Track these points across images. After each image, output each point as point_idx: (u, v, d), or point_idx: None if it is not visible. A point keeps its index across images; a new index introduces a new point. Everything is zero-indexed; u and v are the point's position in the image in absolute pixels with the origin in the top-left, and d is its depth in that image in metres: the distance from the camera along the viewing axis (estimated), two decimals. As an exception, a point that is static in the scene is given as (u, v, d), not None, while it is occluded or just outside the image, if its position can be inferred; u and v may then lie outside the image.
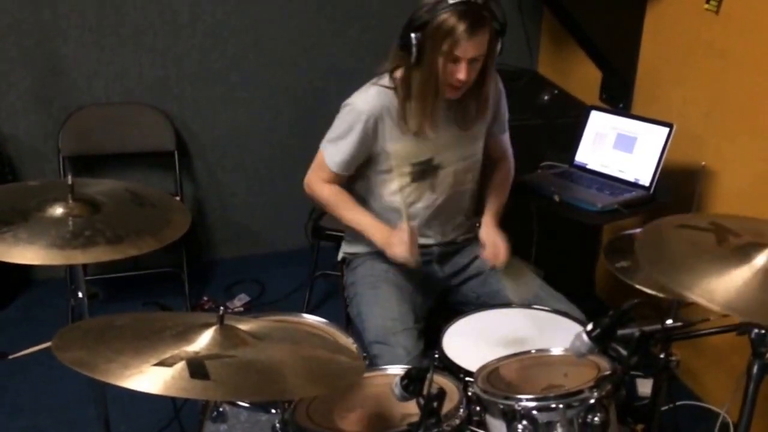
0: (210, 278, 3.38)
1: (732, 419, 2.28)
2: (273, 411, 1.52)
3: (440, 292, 2.15)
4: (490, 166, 2.20)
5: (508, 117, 2.19)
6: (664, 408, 1.63)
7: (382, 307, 1.96)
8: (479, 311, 1.95)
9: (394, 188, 2.01)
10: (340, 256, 2.23)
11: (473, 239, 2.17)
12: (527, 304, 1.96)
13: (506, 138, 2.22)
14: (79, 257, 1.45)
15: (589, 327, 1.39)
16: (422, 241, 2.08)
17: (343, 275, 2.21)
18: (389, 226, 2.04)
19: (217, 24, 3.16)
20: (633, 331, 1.40)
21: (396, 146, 1.95)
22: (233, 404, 1.54)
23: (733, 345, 2.44)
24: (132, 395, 2.45)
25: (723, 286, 1.26)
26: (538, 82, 3.24)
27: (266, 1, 3.18)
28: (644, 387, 2.45)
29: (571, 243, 2.83)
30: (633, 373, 2.50)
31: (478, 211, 2.20)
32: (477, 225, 2.20)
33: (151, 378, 1.14)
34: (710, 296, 1.23)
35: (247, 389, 1.21)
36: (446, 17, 1.77)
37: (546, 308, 1.94)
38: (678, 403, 2.48)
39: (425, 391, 1.28)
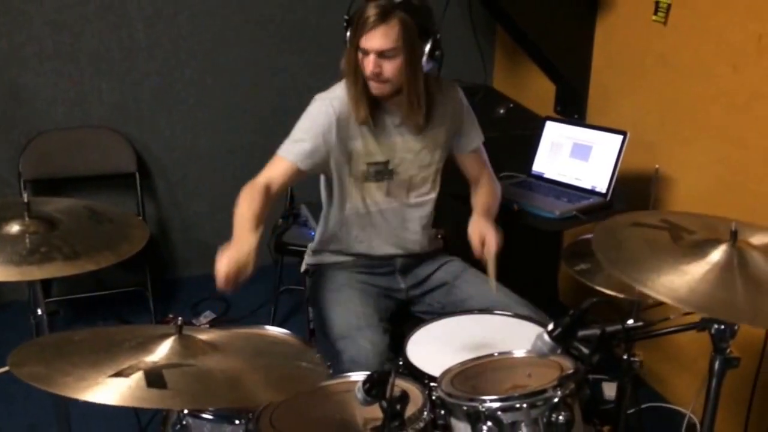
0: (175, 296, 3.37)
1: (698, 419, 2.31)
2: (237, 422, 1.50)
3: (402, 302, 2.16)
4: (474, 186, 2.17)
5: (480, 133, 2.17)
6: (630, 411, 1.65)
7: (346, 307, 1.97)
8: (442, 318, 1.96)
9: (353, 189, 2.02)
10: (303, 267, 2.25)
11: (435, 251, 2.19)
12: (489, 310, 1.98)
13: (482, 155, 2.20)
14: (35, 273, 1.44)
15: (550, 327, 1.41)
16: (384, 251, 2.10)
17: (306, 287, 2.22)
18: (350, 234, 2.07)
19: (174, 47, 3.18)
20: (595, 331, 1.42)
21: (356, 143, 1.97)
22: (196, 416, 1.51)
23: (697, 346, 2.49)
24: (97, 414, 2.41)
25: (683, 283, 1.29)
26: (494, 97, 3.29)
27: (223, 23, 3.21)
28: (610, 390, 2.48)
29: (533, 251, 2.86)
30: (599, 376, 2.53)
31: (437, 223, 2.21)
32: (438, 236, 2.22)
33: (107, 389, 1.13)
34: (673, 294, 1.27)
35: (206, 397, 1.20)
36: (361, 8, 1.82)
37: (507, 313, 1.95)
38: (644, 405, 2.51)
39: (388, 395, 1.28)
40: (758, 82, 2.16)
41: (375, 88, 1.89)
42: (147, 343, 1.28)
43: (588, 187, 2.48)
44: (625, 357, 1.70)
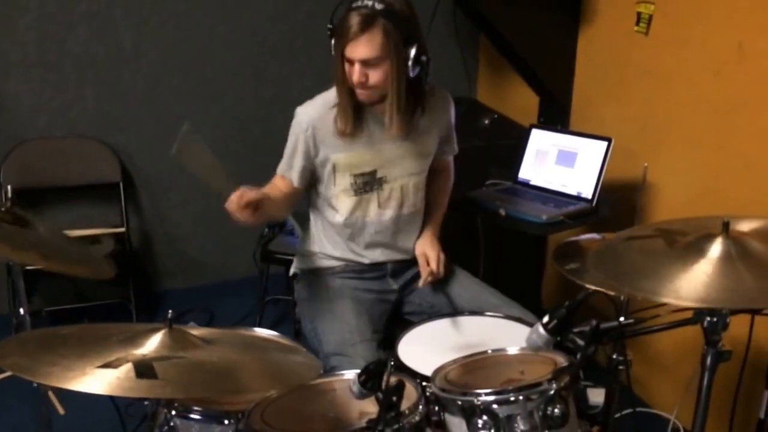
0: (158, 309, 3.32)
1: (682, 424, 2.31)
2: (226, 422, 1.47)
3: (395, 304, 2.14)
4: (430, 175, 2.17)
5: (456, 145, 2.21)
6: (617, 415, 1.65)
7: (340, 320, 1.95)
8: (433, 320, 1.95)
9: (340, 201, 2.02)
10: (292, 271, 2.22)
11: None
12: (480, 312, 1.97)
13: (451, 162, 2.25)
14: (7, 252, 1.42)
15: (545, 319, 1.41)
16: (377, 258, 2.09)
17: (295, 291, 2.20)
18: (341, 242, 2.06)
19: (161, 57, 3.17)
20: (591, 323, 1.42)
21: (338, 155, 1.97)
22: (184, 417, 1.48)
23: (680, 351, 2.50)
24: (80, 425, 2.34)
25: (687, 283, 1.29)
26: (478, 109, 3.31)
27: (210, 33, 3.21)
28: (595, 396, 2.48)
29: (518, 259, 2.88)
30: (584, 383, 2.53)
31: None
32: None
33: (95, 379, 1.10)
34: (677, 295, 1.27)
35: (198, 387, 1.18)
36: (343, 18, 1.81)
37: (498, 314, 1.95)
38: (627, 411, 2.50)
39: (384, 386, 1.27)
40: (739, 88, 2.19)
41: (362, 94, 1.89)
42: (136, 338, 1.26)
43: (574, 193, 2.49)
44: (614, 356, 1.72)
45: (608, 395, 1.74)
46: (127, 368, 1.13)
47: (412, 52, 1.84)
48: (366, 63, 1.81)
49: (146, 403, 1.58)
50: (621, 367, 1.80)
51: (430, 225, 2.15)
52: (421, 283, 2.01)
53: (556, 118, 2.97)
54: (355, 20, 1.78)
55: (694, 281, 1.29)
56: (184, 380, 1.15)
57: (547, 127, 2.71)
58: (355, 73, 1.83)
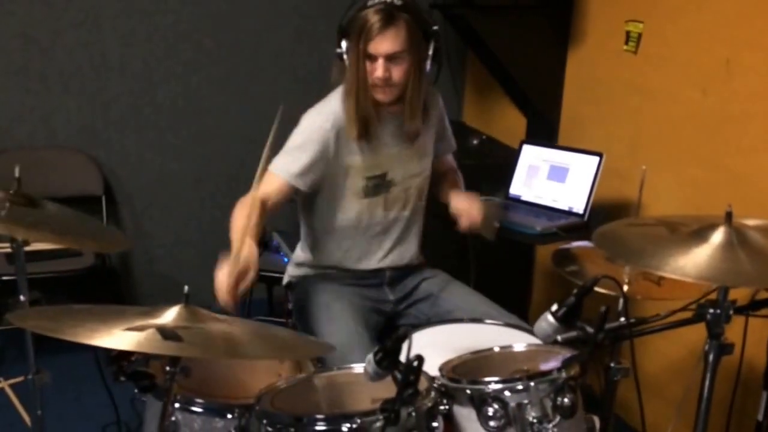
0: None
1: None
2: (229, 416, 1.44)
3: (390, 315, 2.12)
4: (439, 177, 2.20)
5: (453, 141, 2.24)
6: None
7: (336, 324, 1.91)
8: (433, 326, 1.93)
9: (348, 205, 2.00)
10: (285, 280, 2.19)
11: (420, 264, 2.18)
12: (480, 319, 1.96)
13: (453, 161, 2.27)
14: (20, 233, 1.40)
15: (554, 308, 1.41)
16: (376, 265, 2.07)
17: (288, 300, 2.16)
18: (340, 249, 2.04)
19: (147, 69, 3.16)
20: (600, 310, 1.42)
21: (353, 158, 1.95)
22: (186, 410, 1.44)
23: (667, 373, 2.51)
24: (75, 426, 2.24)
25: (690, 262, 1.33)
26: (466, 131, 3.36)
27: (196, 47, 3.21)
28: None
29: (507, 272, 2.89)
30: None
31: (424, 242, 2.21)
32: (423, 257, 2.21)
33: (122, 338, 1.09)
34: (682, 271, 1.31)
35: (223, 350, 1.17)
36: (361, 15, 1.82)
37: (498, 322, 1.94)
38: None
39: (402, 363, 1.24)
40: (727, 104, 2.26)
41: (381, 93, 1.88)
42: (153, 311, 1.25)
43: (565, 208, 2.53)
44: (612, 365, 1.72)
45: (605, 412, 1.73)
46: (151, 331, 1.11)
47: (431, 48, 1.88)
48: (390, 58, 1.82)
49: (144, 399, 1.54)
50: (617, 378, 1.82)
51: (456, 188, 2.16)
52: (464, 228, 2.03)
53: (544, 138, 3.02)
54: (377, 16, 1.79)
55: (697, 261, 1.34)
56: (209, 343, 1.14)
57: (539, 142, 2.75)
58: (379, 69, 1.82)
